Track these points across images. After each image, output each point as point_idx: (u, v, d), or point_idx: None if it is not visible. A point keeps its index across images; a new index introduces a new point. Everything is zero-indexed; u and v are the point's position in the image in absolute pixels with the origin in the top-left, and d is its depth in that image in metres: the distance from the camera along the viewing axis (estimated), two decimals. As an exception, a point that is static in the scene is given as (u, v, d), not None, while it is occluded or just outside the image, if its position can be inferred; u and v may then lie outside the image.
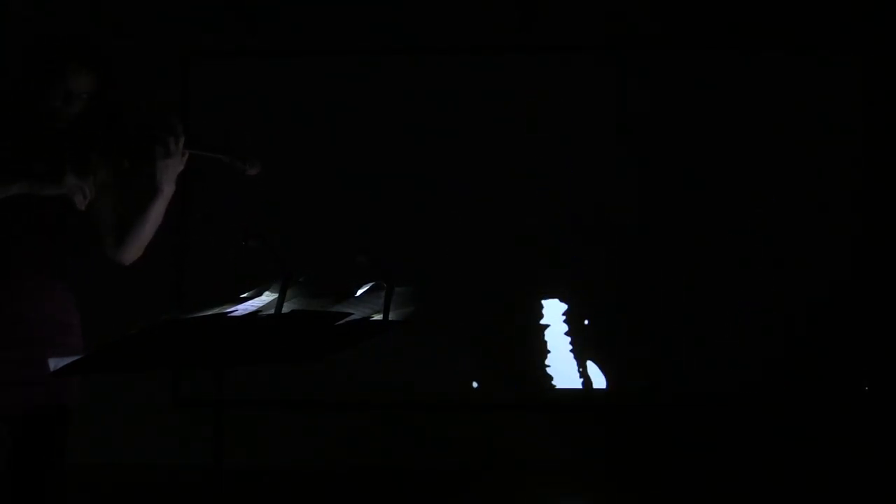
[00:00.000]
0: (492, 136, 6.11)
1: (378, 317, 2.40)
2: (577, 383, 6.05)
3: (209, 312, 2.01)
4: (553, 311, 6.10)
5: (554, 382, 6.06)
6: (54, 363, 2.07)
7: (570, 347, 6.08)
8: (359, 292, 2.32)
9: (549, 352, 6.08)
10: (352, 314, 2.22)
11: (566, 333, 6.09)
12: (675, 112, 6.09)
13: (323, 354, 2.69)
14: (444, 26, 6.15)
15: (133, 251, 2.82)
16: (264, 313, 2.05)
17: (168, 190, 2.72)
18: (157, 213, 2.75)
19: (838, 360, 5.94)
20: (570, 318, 6.09)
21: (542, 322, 6.09)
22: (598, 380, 6.06)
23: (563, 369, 6.08)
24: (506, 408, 6.07)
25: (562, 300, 6.09)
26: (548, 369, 6.08)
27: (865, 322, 5.94)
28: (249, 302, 2.06)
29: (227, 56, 6.27)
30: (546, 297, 6.10)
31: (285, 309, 2.06)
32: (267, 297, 2.07)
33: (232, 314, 2.02)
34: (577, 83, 6.13)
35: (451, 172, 6.12)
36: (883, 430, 5.80)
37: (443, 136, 6.13)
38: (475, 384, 6.08)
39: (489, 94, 6.14)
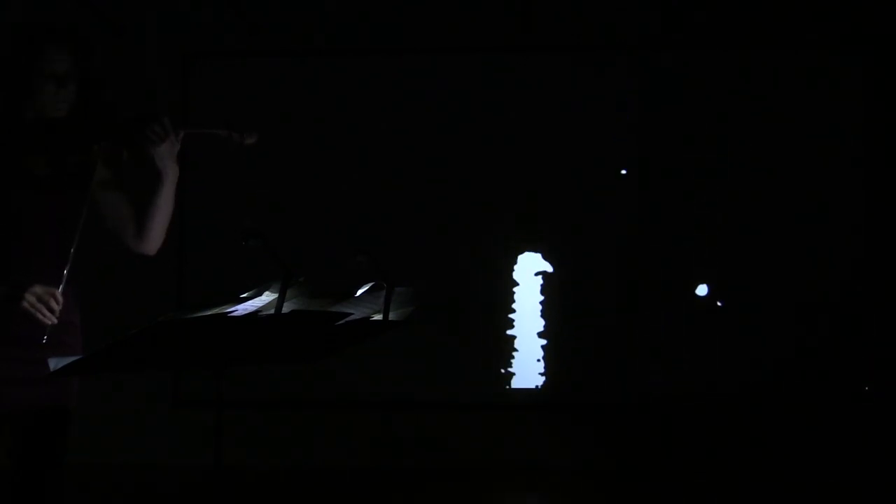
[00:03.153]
0: (492, 136, 6.11)
1: (378, 317, 2.40)
2: (568, 383, 6.06)
3: (209, 312, 2.01)
4: (552, 311, 6.10)
5: (547, 383, 6.06)
6: (54, 363, 2.06)
7: (566, 347, 6.08)
8: (359, 292, 2.31)
9: (541, 351, 6.09)
10: (352, 314, 2.22)
11: (563, 333, 6.09)
12: (675, 112, 6.09)
13: (323, 354, 2.69)
14: (445, 26, 6.15)
15: (154, 240, 2.81)
16: (264, 313, 2.04)
17: (171, 173, 2.72)
18: (165, 197, 2.76)
19: (839, 360, 5.95)
20: (568, 318, 6.09)
21: (541, 321, 6.09)
22: (597, 380, 6.06)
23: (558, 369, 6.09)
24: (504, 408, 6.07)
25: (560, 299, 6.10)
26: (540, 370, 6.08)
27: (866, 322, 5.94)
28: (249, 302, 2.06)
29: (228, 56, 6.28)
30: (544, 297, 6.10)
31: (285, 309, 2.06)
32: (267, 297, 2.07)
33: (232, 314, 2.02)
34: (576, 83, 6.13)
35: (450, 172, 6.12)
36: (883, 430, 5.80)
37: (443, 137, 6.13)
38: (472, 384, 6.08)
39: (489, 94, 6.14)
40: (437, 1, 6.16)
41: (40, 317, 2.49)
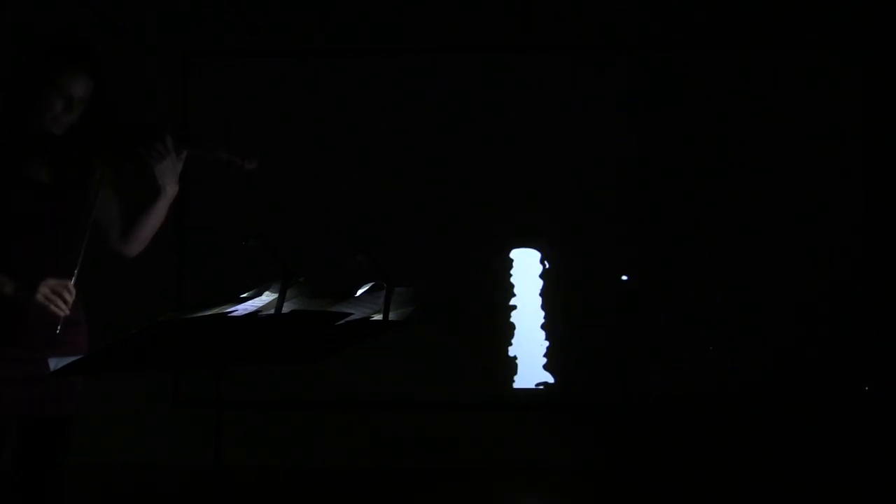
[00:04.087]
0: (492, 136, 6.11)
1: (378, 317, 2.40)
2: (568, 383, 6.06)
3: (209, 312, 2.01)
4: (552, 311, 6.10)
5: (548, 383, 6.06)
6: (54, 363, 2.07)
7: (566, 348, 6.08)
8: (359, 292, 2.32)
9: (541, 351, 6.09)
10: (352, 314, 2.22)
11: (563, 333, 6.09)
12: (675, 112, 6.09)
13: (323, 354, 2.69)
14: (445, 26, 6.15)
15: (137, 246, 2.89)
16: (264, 313, 2.05)
17: (171, 190, 2.78)
18: (160, 211, 2.83)
19: (839, 360, 5.95)
20: (569, 318, 6.09)
21: (541, 321, 6.09)
22: (597, 380, 6.06)
23: (558, 369, 6.09)
24: (504, 408, 6.07)
25: (561, 299, 6.09)
26: (540, 370, 6.08)
27: (866, 322, 5.94)
28: (249, 302, 2.06)
29: (228, 56, 6.28)
30: (544, 297, 6.10)
31: (285, 309, 2.06)
32: (267, 297, 2.07)
33: (232, 314, 2.02)
34: (576, 83, 6.13)
35: (450, 172, 6.12)
36: (883, 430, 5.80)
37: (443, 137, 6.13)
38: (472, 384, 6.08)
39: (489, 94, 6.14)
40: (437, 1, 6.16)
41: (54, 308, 2.51)
